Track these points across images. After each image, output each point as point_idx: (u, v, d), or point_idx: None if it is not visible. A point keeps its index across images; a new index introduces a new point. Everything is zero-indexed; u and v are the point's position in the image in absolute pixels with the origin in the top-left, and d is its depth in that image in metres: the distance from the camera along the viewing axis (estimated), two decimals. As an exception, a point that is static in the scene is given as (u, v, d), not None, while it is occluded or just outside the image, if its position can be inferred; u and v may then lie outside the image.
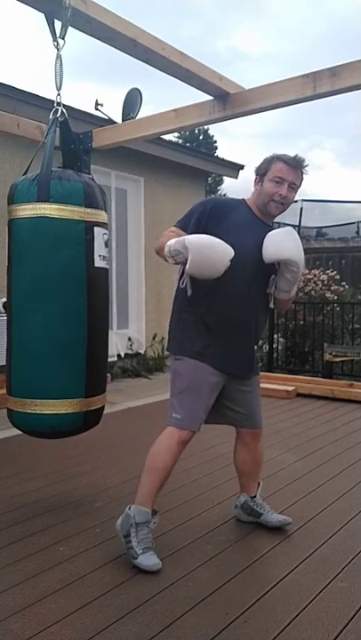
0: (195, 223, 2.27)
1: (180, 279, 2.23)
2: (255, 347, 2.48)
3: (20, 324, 2.47)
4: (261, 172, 2.36)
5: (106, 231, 2.57)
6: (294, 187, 2.34)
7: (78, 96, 7.30)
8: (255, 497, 2.61)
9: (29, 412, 2.43)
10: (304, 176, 2.37)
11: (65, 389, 2.44)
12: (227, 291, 2.26)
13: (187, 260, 2.08)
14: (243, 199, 2.44)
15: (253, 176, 2.42)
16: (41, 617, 1.90)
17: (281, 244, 2.29)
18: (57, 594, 2.04)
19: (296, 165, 2.32)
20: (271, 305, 2.45)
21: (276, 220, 2.51)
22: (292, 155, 2.34)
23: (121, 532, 2.28)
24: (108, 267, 2.60)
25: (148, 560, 2.18)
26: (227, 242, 2.14)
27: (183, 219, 2.34)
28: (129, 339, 7.11)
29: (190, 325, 2.34)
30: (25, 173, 2.55)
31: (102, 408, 2.64)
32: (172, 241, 2.14)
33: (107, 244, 2.57)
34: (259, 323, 2.44)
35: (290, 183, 2.31)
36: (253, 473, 2.63)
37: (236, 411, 2.48)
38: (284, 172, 2.30)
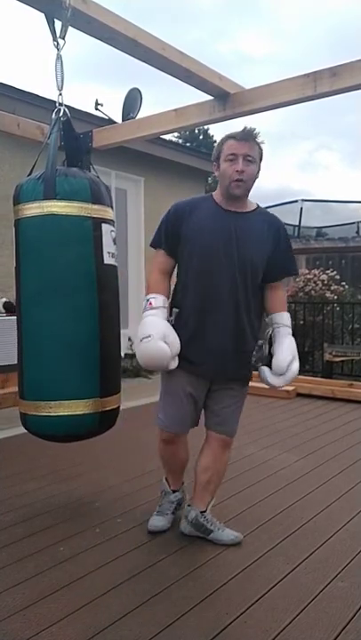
0: (164, 237, 2.40)
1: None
2: (241, 349, 2.32)
3: (30, 325, 2.42)
4: (216, 157, 2.28)
5: (113, 228, 2.53)
6: (251, 159, 2.20)
7: (78, 96, 7.30)
8: (205, 512, 2.44)
9: (44, 414, 2.35)
10: (262, 146, 2.24)
11: (79, 389, 2.36)
12: (201, 291, 2.30)
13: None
14: (211, 194, 2.38)
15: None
16: (41, 617, 1.90)
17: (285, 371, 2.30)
18: (57, 594, 2.04)
19: (246, 137, 2.20)
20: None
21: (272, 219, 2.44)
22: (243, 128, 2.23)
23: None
24: (117, 264, 2.56)
25: (153, 520, 2.53)
26: (191, 244, 2.28)
27: (156, 235, 2.46)
28: (129, 339, 7.09)
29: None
30: (29, 174, 2.53)
31: (118, 408, 2.54)
32: (153, 299, 2.33)
33: (115, 242, 2.53)
34: (241, 320, 2.30)
35: (244, 156, 2.19)
36: (211, 484, 2.44)
37: (211, 410, 2.40)
38: (235, 147, 2.19)
